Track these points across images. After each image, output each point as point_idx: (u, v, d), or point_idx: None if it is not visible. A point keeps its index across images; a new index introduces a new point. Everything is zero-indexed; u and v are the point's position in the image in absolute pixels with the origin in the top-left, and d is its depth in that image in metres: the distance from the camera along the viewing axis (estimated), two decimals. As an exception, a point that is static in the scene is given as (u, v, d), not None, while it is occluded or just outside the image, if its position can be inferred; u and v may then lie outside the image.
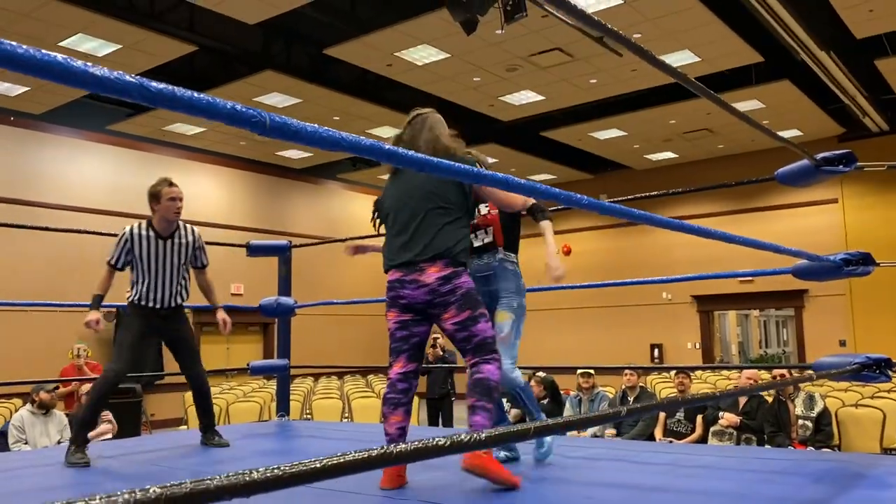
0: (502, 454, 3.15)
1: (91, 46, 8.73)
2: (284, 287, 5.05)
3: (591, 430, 6.04)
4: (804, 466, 3.03)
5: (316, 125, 1.03)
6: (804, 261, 3.06)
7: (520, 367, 3.19)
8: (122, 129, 12.14)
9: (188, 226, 3.74)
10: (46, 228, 4.94)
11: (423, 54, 9.11)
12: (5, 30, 8.18)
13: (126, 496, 0.71)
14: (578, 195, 1.64)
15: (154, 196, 3.58)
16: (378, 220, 2.96)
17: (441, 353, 8.65)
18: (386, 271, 2.78)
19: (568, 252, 15.81)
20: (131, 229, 3.57)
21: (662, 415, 6.38)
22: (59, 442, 5.72)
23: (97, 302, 3.50)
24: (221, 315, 3.79)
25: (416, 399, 3.22)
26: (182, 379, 3.82)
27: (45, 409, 5.83)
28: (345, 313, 15.16)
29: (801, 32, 8.37)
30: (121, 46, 8.73)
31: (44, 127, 11.92)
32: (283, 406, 5.08)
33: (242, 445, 3.96)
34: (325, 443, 4.16)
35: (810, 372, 3.84)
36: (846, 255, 2.95)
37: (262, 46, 9.54)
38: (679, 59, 9.54)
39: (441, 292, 2.64)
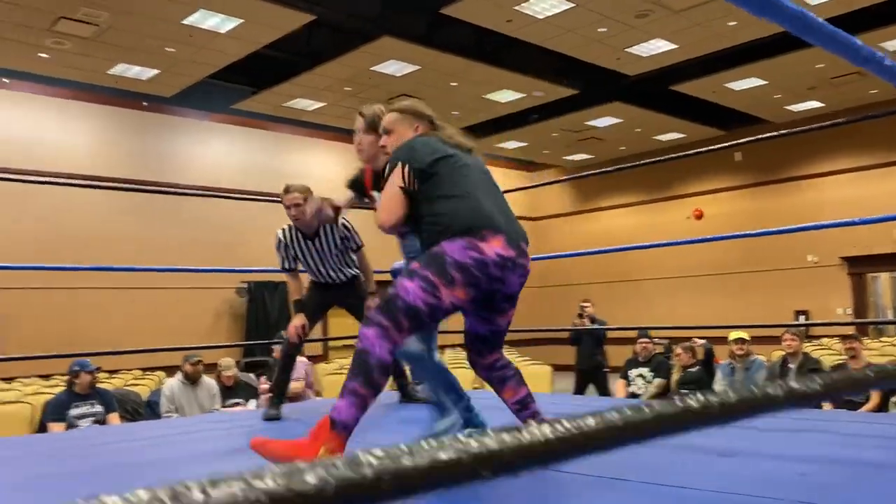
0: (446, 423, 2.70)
1: (214, 22, 8.77)
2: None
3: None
4: None
5: None
6: None
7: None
8: (244, 107, 12.33)
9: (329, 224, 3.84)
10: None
11: (546, 5, 8.57)
12: (130, 11, 8.34)
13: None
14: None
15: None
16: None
17: (589, 322, 7.87)
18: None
19: (700, 216, 14.76)
20: (280, 234, 3.87)
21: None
22: (213, 409, 5.78)
23: (297, 307, 3.83)
24: (370, 301, 3.85)
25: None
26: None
27: (192, 379, 5.88)
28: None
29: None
30: (242, 21, 8.73)
31: (173, 110, 12.30)
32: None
33: (384, 413, 3.75)
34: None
35: None
36: None
37: (379, 11, 9.31)
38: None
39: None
